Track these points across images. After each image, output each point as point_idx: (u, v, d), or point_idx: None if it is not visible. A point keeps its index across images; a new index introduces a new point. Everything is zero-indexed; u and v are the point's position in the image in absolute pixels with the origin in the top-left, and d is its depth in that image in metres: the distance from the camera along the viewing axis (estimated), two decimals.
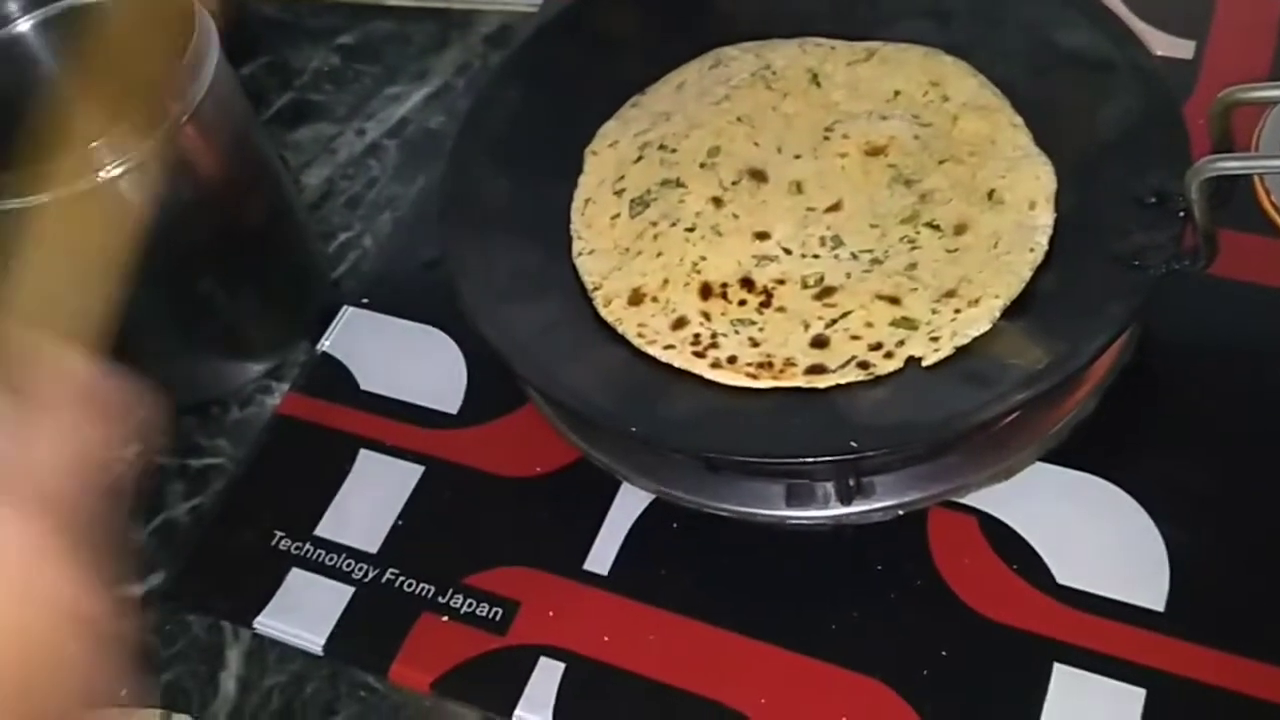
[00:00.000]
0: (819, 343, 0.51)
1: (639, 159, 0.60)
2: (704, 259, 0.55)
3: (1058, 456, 0.52)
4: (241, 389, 0.70)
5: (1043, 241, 0.52)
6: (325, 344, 0.63)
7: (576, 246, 0.58)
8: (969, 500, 0.52)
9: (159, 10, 0.65)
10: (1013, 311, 0.50)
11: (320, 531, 0.56)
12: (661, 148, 0.59)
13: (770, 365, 0.51)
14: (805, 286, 0.53)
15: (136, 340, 0.67)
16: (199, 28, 0.61)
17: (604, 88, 0.62)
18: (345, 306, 0.64)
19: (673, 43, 0.64)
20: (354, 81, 0.85)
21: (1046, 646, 0.48)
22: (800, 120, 0.60)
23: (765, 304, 0.53)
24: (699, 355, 0.52)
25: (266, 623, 0.54)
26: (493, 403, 0.58)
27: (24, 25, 0.65)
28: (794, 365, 0.51)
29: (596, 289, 0.56)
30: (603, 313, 0.55)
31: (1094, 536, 0.50)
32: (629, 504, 0.54)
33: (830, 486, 0.52)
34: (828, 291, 0.53)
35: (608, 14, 0.64)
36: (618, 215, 0.58)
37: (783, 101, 0.60)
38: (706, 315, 0.53)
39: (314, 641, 0.53)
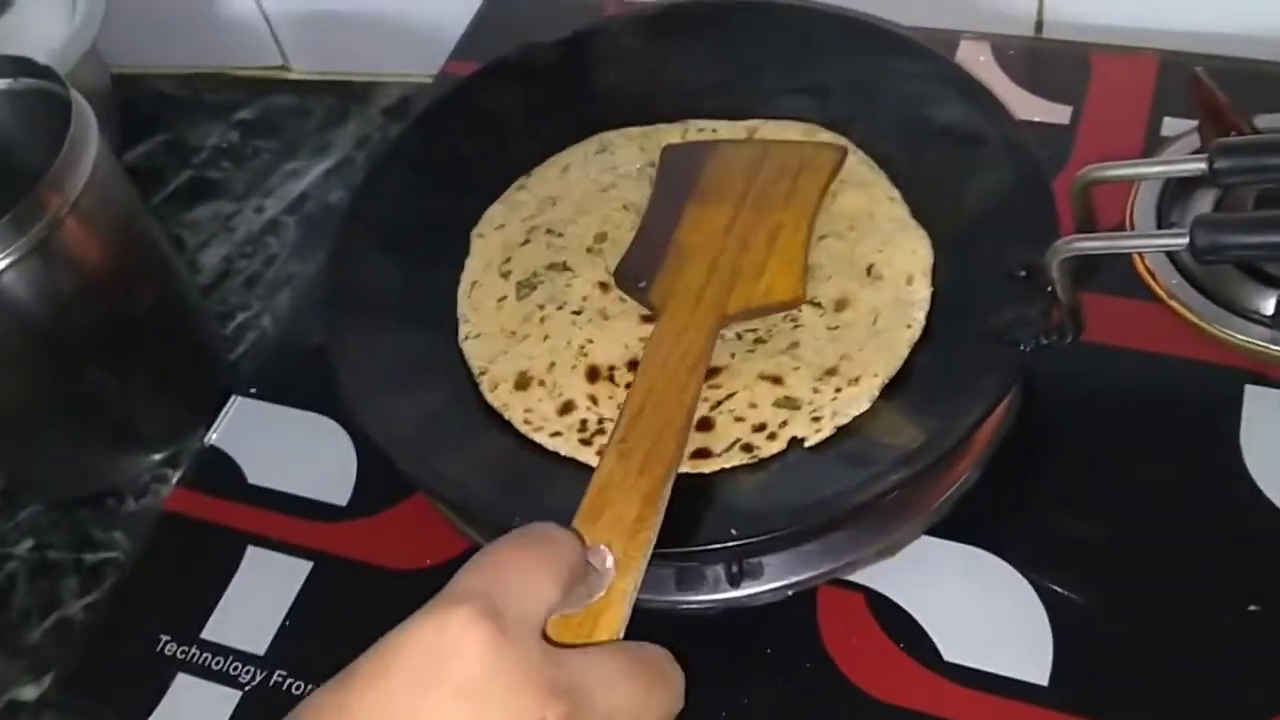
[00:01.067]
0: (704, 425, 0.51)
1: (526, 242, 0.59)
2: (591, 342, 0.55)
3: (943, 530, 0.52)
4: (137, 479, 0.69)
5: (919, 317, 0.53)
6: (212, 436, 0.62)
7: (463, 330, 0.58)
8: (857, 578, 0.52)
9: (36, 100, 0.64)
10: (890, 389, 0.51)
11: (207, 634, 0.55)
12: (549, 232, 0.59)
13: None
14: None
15: (25, 433, 0.67)
16: (76, 118, 0.60)
17: (490, 169, 0.62)
18: (234, 396, 0.64)
19: (558, 122, 0.64)
20: (253, 158, 0.85)
21: None
22: None
23: None
24: (585, 443, 0.52)
25: None
26: (383, 493, 0.58)
27: None
28: None
29: (483, 373, 0.55)
30: (489, 398, 0.55)
31: (979, 611, 0.50)
32: None
33: (720, 570, 0.52)
34: (713, 373, 0.53)
35: (493, 96, 0.64)
36: (504, 298, 0.58)
37: None
38: (594, 399, 0.53)
39: None
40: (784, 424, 0.50)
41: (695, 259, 0.55)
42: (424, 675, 0.32)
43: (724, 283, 0.53)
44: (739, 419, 0.51)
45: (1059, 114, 0.66)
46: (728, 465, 0.50)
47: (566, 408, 0.53)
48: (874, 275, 0.54)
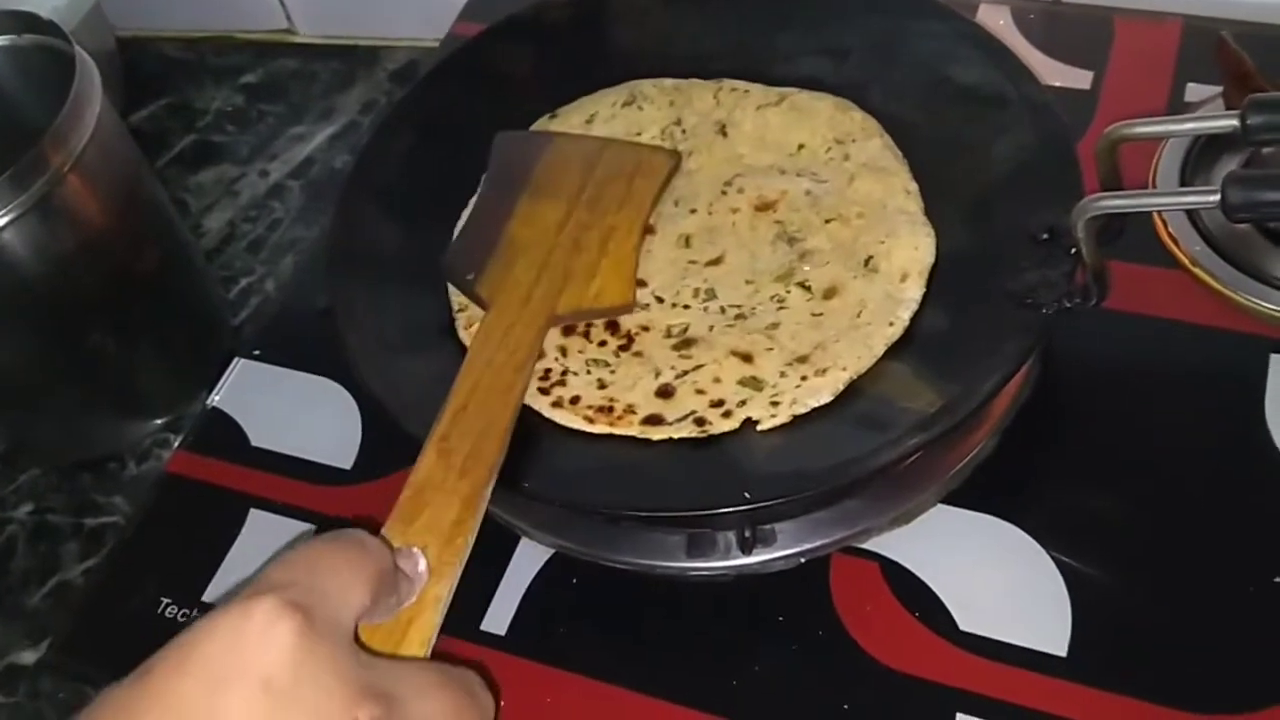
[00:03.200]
0: (664, 392, 0.50)
1: None
2: None
3: (959, 498, 0.51)
4: (139, 444, 0.68)
5: (904, 317, 0.51)
6: (215, 399, 0.61)
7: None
8: (871, 546, 0.51)
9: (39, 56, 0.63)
10: (905, 352, 0.49)
11: (208, 597, 0.54)
12: None
13: (610, 410, 0.50)
14: (668, 335, 0.52)
15: (26, 395, 0.66)
16: (80, 73, 0.59)
17: (498, 130, 0.61)
18: (236, 359, 0.63)
19: (569, 84, 0.62)
20: (257, 122, 0.84)
21: (949, 696, 0.47)
22: (702, 175, 0.58)
23: (624, 348, 0.52)
24: (543, 392, 0.51)
25: None
26: (388, 457, 0.57)
27: None
28: (633, 413, 0.50)
29: (461, 310, 0.55)
30: (462, 335, 0.54)
31: (996, 580, 0.49)
32: (527, 560, 0.53)
33: (731, 536, 0.51)
34: (687, 343, 0.52)
35: (502, 55, 0.63)
36: None
37: (687, 159, 0.59)
38: (563, 351, 0.52)
39: None
40: (742, 403, 0.49)
41: (527, 255, 0.53)
42: (224, 669, 0.30)
43: (555, 282, 0.52)
44: (699, 391, 0.50)
45: (1080, 79, 0.64)
46: (675, 435, 0.49)
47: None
48: (870, 267, 0.53)
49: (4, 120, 0.66)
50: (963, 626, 0.48)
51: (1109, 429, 0.53)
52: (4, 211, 0.56)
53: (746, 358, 0.50)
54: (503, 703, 0.49)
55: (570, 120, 0.62)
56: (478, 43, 0.64)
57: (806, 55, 0.61)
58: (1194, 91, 0.62)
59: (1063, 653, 0.47)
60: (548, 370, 0.52)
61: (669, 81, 0.62)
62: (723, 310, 0.53)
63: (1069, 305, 0.48)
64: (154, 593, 0.54)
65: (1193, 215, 0.57)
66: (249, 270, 0.75)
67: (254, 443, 0.59)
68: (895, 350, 0.50)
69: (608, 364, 0.52)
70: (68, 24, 0.71)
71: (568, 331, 0.53)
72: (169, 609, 0.54)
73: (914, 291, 0.52)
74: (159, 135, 0.84)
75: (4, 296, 0.59)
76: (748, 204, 0.56)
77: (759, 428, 0.48)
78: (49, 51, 0.63)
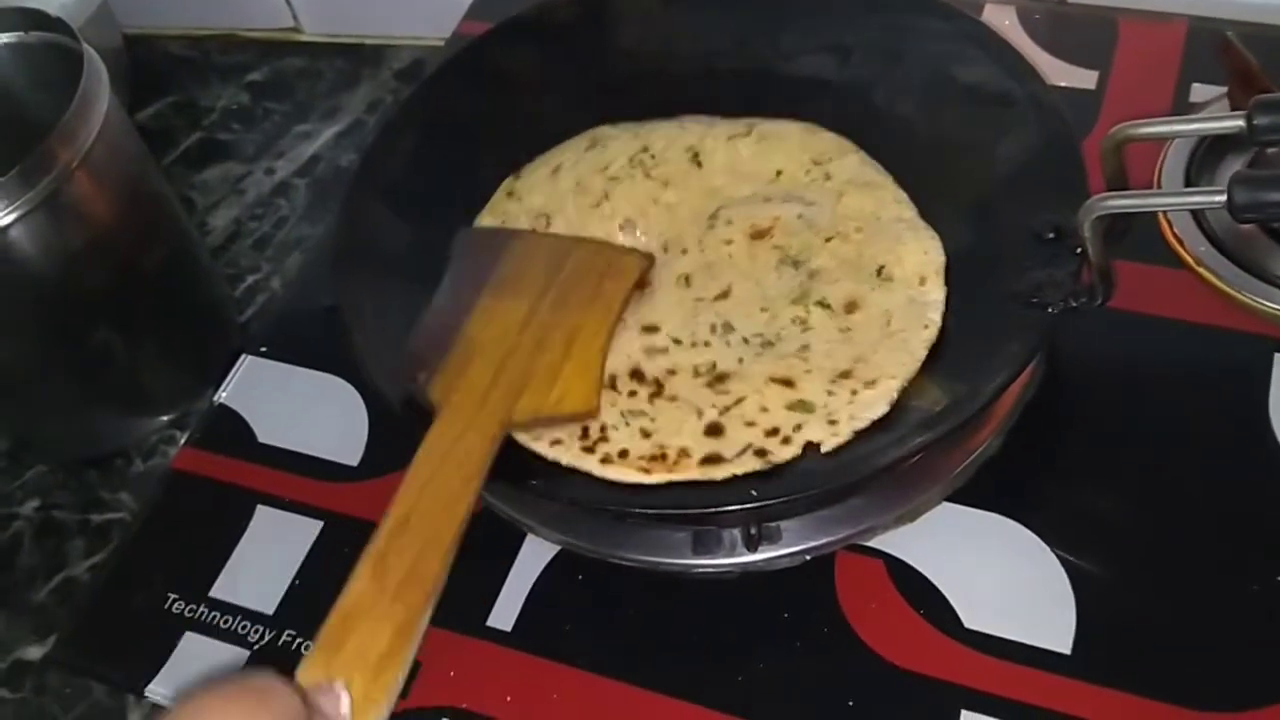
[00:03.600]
0: (713, 430, 0.49)
1: None
2: None
3: (964, 497, 0.51)
4: (145, 440, 0.68)
5: (936, 319, 0.51)
6: (222, 395, 0.61)
7: None
8: (876, 543, 0.51)
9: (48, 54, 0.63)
10: None
11: (215, 593, 0.54)
12: None
13: (664, 457, 0.49)
14: (697, 375, 0.51)
15: (32, 392, 0.66)
16: (88, 71, 0.59)
17: (503, 129, 0.61)
18: (244, 355, 0.63)
19: (573, 81, 0.63)
20: (263, 120, 0.84)
21: (954, 693, 0.47)
22: (683, 209, 0.58)
23: (656, 394, 0.51)
24: (588, 450, 0.49)
25: (159, 691, 0.52)
26: (394, 454, 0.55)
27: None
28: (688, 456, 0.48)
29: None
30: None
31: (1000, 578, 0.50)
32: (534, 557, 0.53)
33: (737, 533, 0.51)
34: (720, 378, 0.51)
35: (507, 54, 0.63)
36: None
37: (664, 192, 0.58)
38: None
39: None
40: (798, 428, 0.48)
41: (484, 355, 0.49)
42: None
43: (513, 385, 0.48)
44: (749, 423, 0.49)
45: (1085, 79, 0.64)
46: (740, 471, 0.48)
47: None
48: (884, 277, 0.53)
49: (12, 117, 0.66)
50: (967, 624, 0.48)
51: (1113, 428, 0.54)
52: (12, 208, 0.56)
53: (787, 383, 0.50)
54: (509, 698, 0.49)
55: (536, 174, 0.61)
56: (483, 42, 0.64)
57: (810, 54, 0.61)
58: (1199, 92, 0.63)
59: (1067, 650, 0.47)
60: (585, 429, 0.50)
61: (628, 124, 0.61)
62: (745, 341, 0.52)
63: (1074, 305, 0.48)
64: (161, 589, 0.54)
65: (1198, 216, 0.57)
66: (255, 268, 0.75)
67: (261, 439, 0.59)
68: None
69: (645, 413, 0.50)
70: (75, 21, 0.71)
71: None
72: (176, 604, 0.54)
73: (936, 293, 0.52)
74: (165, 133, 0.84)
75: (11, 293, 0.60)
76: (741, 234, 0.56)
77: (823, 449, 0.48)
78: (57, 49, 0.63)
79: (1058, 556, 0.50)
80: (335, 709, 0.35)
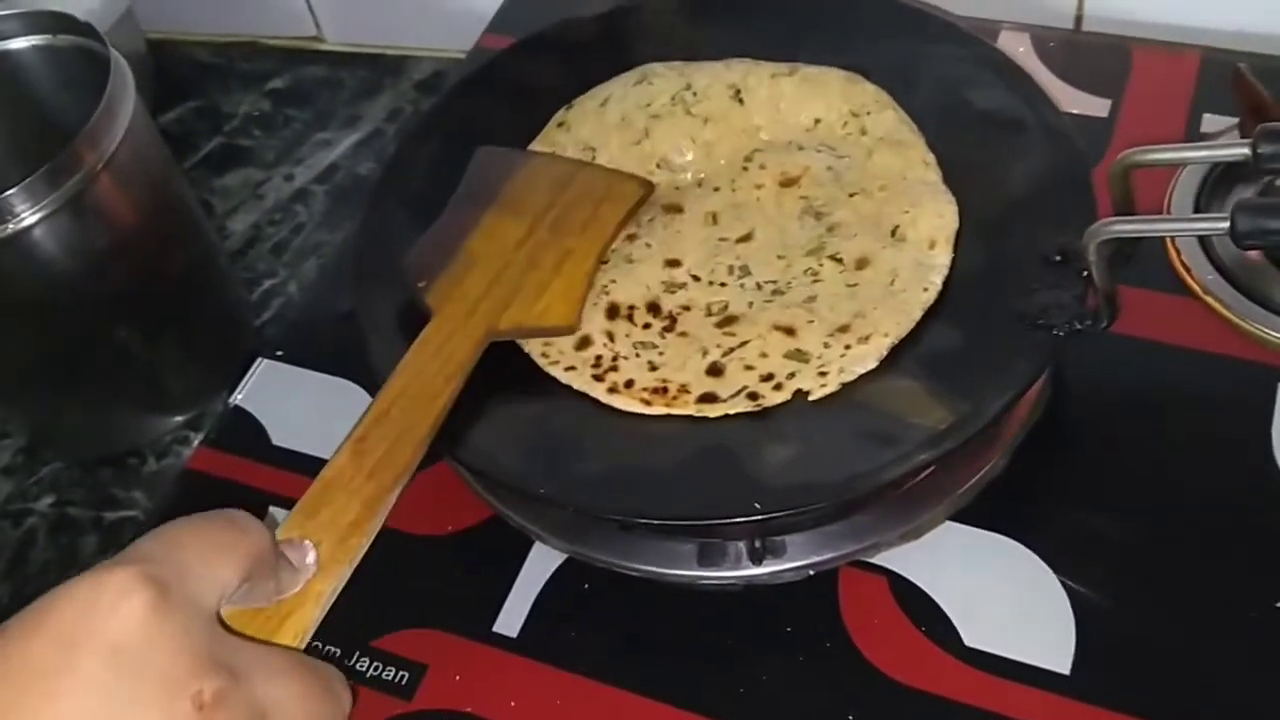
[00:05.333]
0: (714, 370, 0.51)
1: None
2: (614, 281, 0.55)
3: (968, 516, 0.52)
4: (159, 440, 0.69)
5: (937, 281, 0.52)
6: (238, 397, 0.62)
7: None
8: (879, 560, 0.52)
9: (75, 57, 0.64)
10: (917, 368, 0.50)
11: None
12: None
13: (664, 390, 0.51)
14: (709, 314, 0.53)
15: (51, 389, 0.67)
16: (115, 75, 0.60)
17: (523, 142, 0.62)
18: (259, 359, 0.64)
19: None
20: (284, 127, 0.85)
21: (954, 711, 0.47)
22: (720, 149, 0.60)
23: (669, 328, 0.53)
24: (598, 378, 0.52)
25: None
26: None
27: None
28: (687, 392, 0.51)
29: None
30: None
31: (1002, 598, 0.50)
32: (541, 564, 0.54)
33: (742, 546, 0.51)
34: (729, 320, 0.53)
35: (527, 67, 0.64)
36: None
37: (703, 129, 0.60)
38: (610, 336, 0.53)
39: None
40: (791, 375, 0.50)
41: (480, 268, 0.53)
42: (73, 632, 0.31)
43: (502, 297, 0.52)
44: (748, 367, 0.51)
45: (1098, 107, 0.65)
46: (731, 411, 0.50)
47: (583, 343, 0.53)
48: (898, 237, 0.54)
49: (39, 118, 0.67)
50: (968, 642, 0.49)
51: (1117, 452, 0.54)
52: (37, 209, 0.56)
53: (789, 331, 0.51)
54: (513, 703, 0.50)
55: (586, 105, 0.63)
56: (506, 56, 0.65)
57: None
58: (1210, 122, 0.63)
59: (1066, 670, 0.48)
60: (599, 357, 0.52)
61: (677, 62, 0.63)
62: (759, 286, 0.54)
63: (1079, 327, 0.48)
64: None
65: (1205, 243, 0.58)
66: (272, 273, 0.76)
67: (275, 441, 0.60)
68: (907, 366, 0.50)
69: (655, 346, 0.53)
70: (102, 25, 0.72)
71: (612, 315, 0.54)
72: None
73: (943, 257, 0.53)
74: (186, 137, 0.85)
75: (34, 292, 0.60)
76: (771, 180, 0.57)
77: (810, 398, 0.49)
78: (84, 52, 0.64)
79: (1059, 577, 0.50)
80: (301, 560, 0.39)
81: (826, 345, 0.51)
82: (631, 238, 0.57)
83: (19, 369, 0.66)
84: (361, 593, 0.53)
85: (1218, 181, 0.60)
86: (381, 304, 0.55)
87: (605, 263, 0.56)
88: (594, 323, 0.54)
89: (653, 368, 0.52)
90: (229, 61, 0.90)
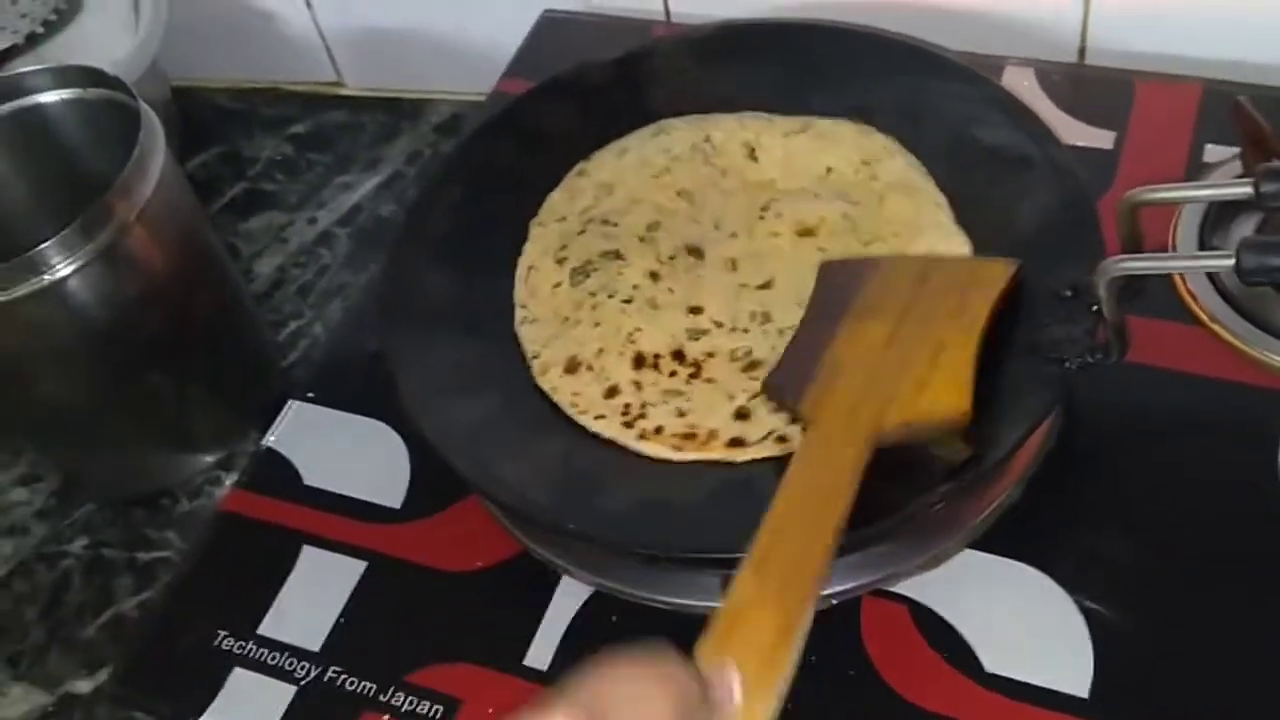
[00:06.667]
0: (741, 414, 0.53)
1: (582, 231, 0.61)
2: (639, 330, 0.57)
3: (985, 544, 0.53)
4: (190, 481, 0.71)
5: None
6: (270, 439, 0.63)
7: (519, 315, 0.60)
8: (900, 589, 0.53)
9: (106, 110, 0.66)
10: None
11: (263, 630, 0.56)
12: (604, 222, 0.61)
13: (694, 437, 0.53)
14: (733, 359, 0.55)
15: (84, 432, 0.68)
16: (145, 128, 0.62)
17: (543, 184, 0.64)
18: (290, 401, 0.65)
19: (610, 137, 0.65)
20: (306, 170, 0.87)
21: None
22: (738, 198, 0.61)
23: (695, 375, 0.55)
24: (628, 425, 0.54)
25: None
26: (435, 496, 0.59)
27: None
28: (716, 437, 0.52)
29: (535, 357, 0.58)
30: (539, 380, 0.57)
31: (1021, 623, 0.51)
32: (569, 598, 0.55)
33: None
34: (754, 365, 0.55)
35: (547, 112, 0.66)
36: (559, 284, 0.60)
37: (721, 179, 0.62)
38: (638, 385, 0.55)
39: None
40: None
41: (850, 372, 0.51)
42: None
43: (882, 397, 0.49)
44: (775, 410, 0.53)
45: (1102, 139, 0.67)
46: (760, 455, 0.51)
47: (612, 392, 0.55)
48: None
49: (69, 170, 0.69)
50: (988, 668, 0.50)
51: (1129, 479, 0.55)
52: (71, 260, 0.58)
53: None
54: None
55: (604, 159, 0.65)
56: (524, 100, 0.67)
57: (836, 113, 0.63)
58: (1213, 153, 0.64)
59: (1085, 694, 0.49)
60: (627, 405, 0.54)
61: (693, 116, 0.65)
62: (780, 332, 0.56)
63: (1091, 360, 0.50)
64: (211, 625, 0.56)
65: (1212, 274, 0.59)
66: (298, 314, 0.78)
67: (307, 481, 0.61)
68: None
69: (681, 393, 0.54)
70: (130, 77, 0.74)
71: (638, 365, 0.55)
72: (225, 641, 0.56)
73: None
74: (211, 183, 0.87)
75: (69, 339, 0.62)
76: (788, 229, 0.59)
77: None
78: (114, 105, 0.66)
79: (1075, 603, 0.51)
80: (727, 697, 0.36)
81: None
82: (654, 277, 0.58)
83: (51, 413, 0.67)
84: (395, 628, 0.56)
85: (1220, 212, 0.61)
86: (408, 343, 0.57)
87: (629, 302, 0.57)
88: (621, 372, 0.55)
89: (681, 414, 0.53)
90: (251, 107, 0.92)
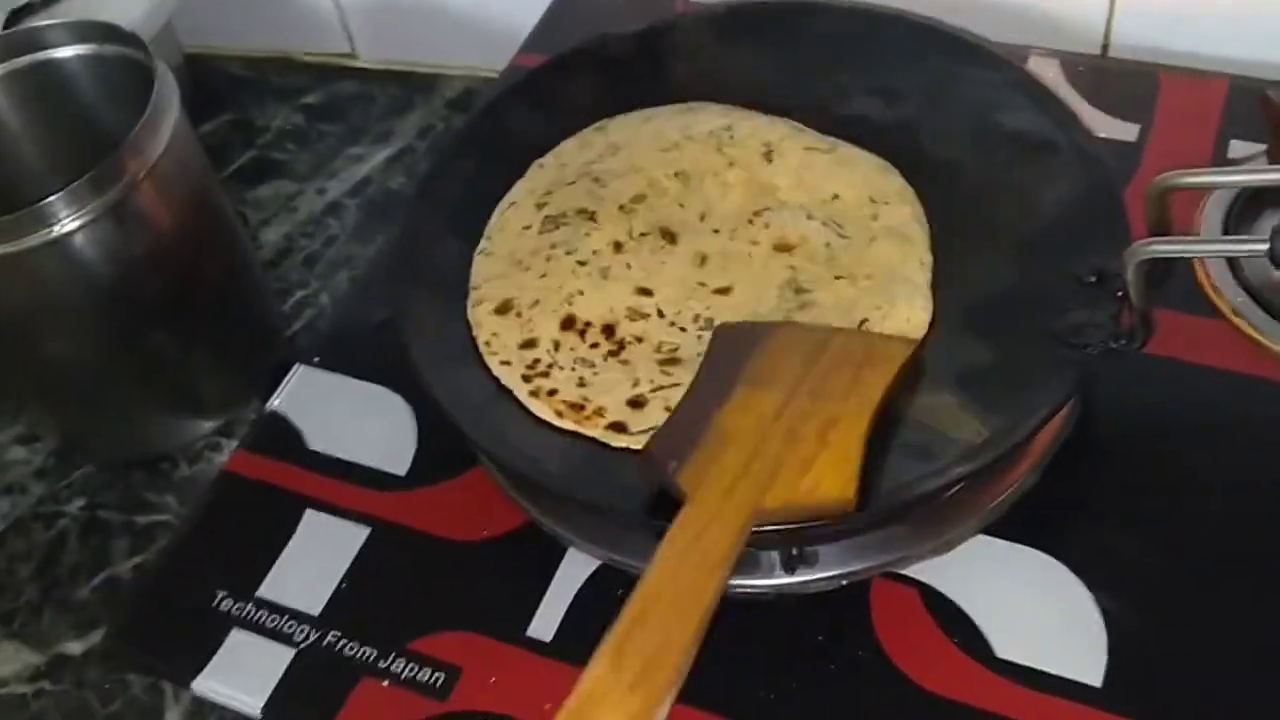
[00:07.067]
0: (636, 403, 0.52)
1: (573, 183, 0.61)
2: (580, 294, 0.56)
3: (999, 530, 0.53)
4: (191, 445, 0.70)
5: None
6: (275, 402, 0.63)
7: (481, 244, 0.60)
8: (911, 572, 0.52)
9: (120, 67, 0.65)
10: (953, 385, 0.51)
11: (263, 592, 0.55)
12: (595, 180, 0.61)
13: (581, 408, 0.52)
14: (657, 350, 0.54)
15: (87, 392, 0.68)
16: (159, 85, 0.61)
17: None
18: (297, 365, 0.64)
19: (628, 113, 0.64)
20: (317, 141, 0.86)
21: None
22: (735, 194, 0.60)
23: (614, 354, 0.54)
24: (526, 379, 0.54)
25: (206, 684, 0.53)
26: (441, 465, 0.58)
27: None
28: (601, 416, 0.52)
29: (475, 288, 0.58)
30: (469, 313, 0.57)
31: (1033, 610, 0.50)
32: (575, 570, 0.54)
33: (775, 555, 0.52)
34: (672, 362, 0.54)
35: (563, 84, 0.65)
36: (529, 227, 0.60)
37: (726, 170, 0.61)
38: (556, 345, 0.55)
39: (252, 705, 0.52)
40: None
41: (735, 445, 0.48)
42: None
43: (765, 473, 0.47)
44: (668, 409, 0.52)
45: (1127, 131, 0.66)
46: (635, 446, 0.51)
47: (529, 344, 0.55)
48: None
49: (82, 126, 0.68)
50: (999, 653, 0.49)
51: (1146, 469, 0.55)
52: (79, 215, 0.57)
53: None
54: (547, 706, 0.50)
55: (627, 121, 0.64)
56: (542, 71, 0.66)
57: (859, 94, 0.63)
58: (1237, 148, 0.64)
59: (1098, 683, 0.48)
60: (536, 360, 0.54)
61: (728, 105, 0.64)
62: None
63: (1114, 346, 0.49)
64: (210, 586, 0.56)
65: (1233, 266, 0.58)
66: (304, 283, 0.77)
67: (311, 446, 0.61)
68: (943, 382, 0.51)
69: (593, 365, 0.54)
70: (145, 36, 0.73)
71: (566, 326, 0.55)
72: (224, 602, 0.55)
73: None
74: (220, 149, 0.86)
75: (73, 296, 0.61)
76: (768, 240, 0.58)
77: None
78: (128, 62, 0.65)
79: (1090, 590, 0.50)
80: None
81: None
82: (618, 248, 0.58)
83: (53, 372, 0.66)
84: (397, 595, 0.55)
85: (1245, 206, 0.60)
86: (420, 311, 0.56)
87: (583, 264, 0.57)
88: (546, 329, 0.55)
89: (581, 384, 0.53)
90: (263, 76, 0.91)
